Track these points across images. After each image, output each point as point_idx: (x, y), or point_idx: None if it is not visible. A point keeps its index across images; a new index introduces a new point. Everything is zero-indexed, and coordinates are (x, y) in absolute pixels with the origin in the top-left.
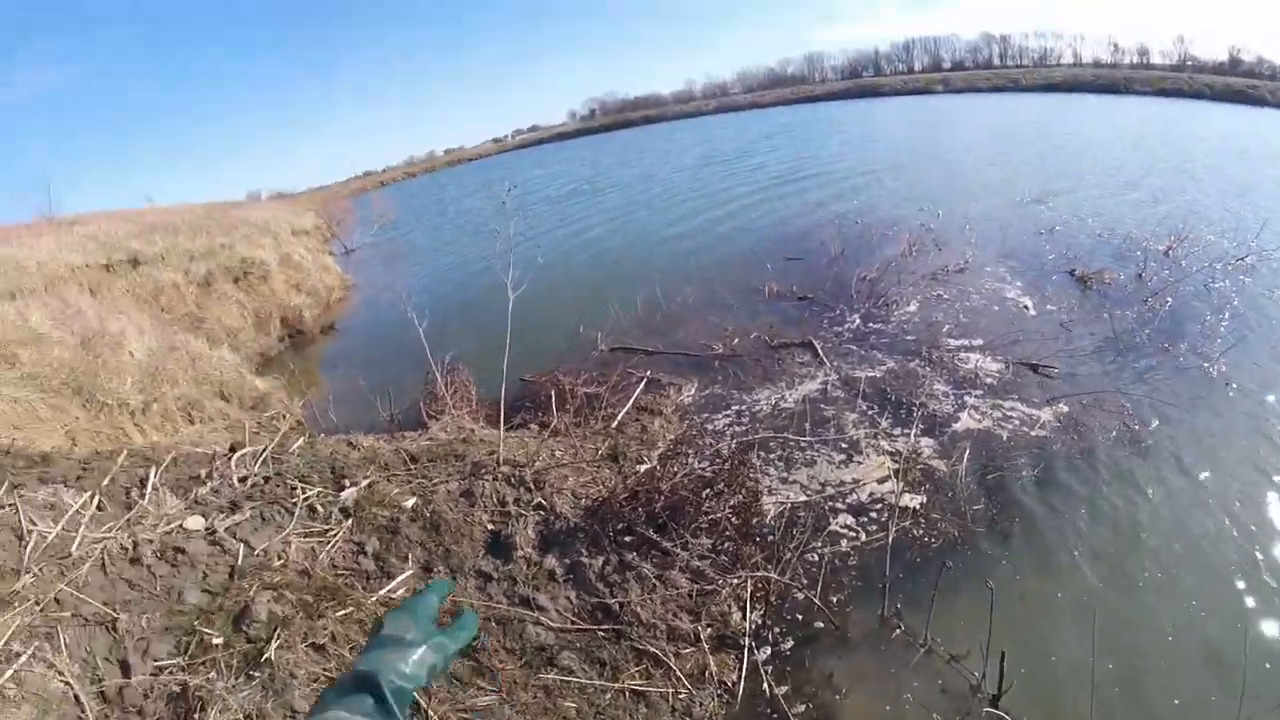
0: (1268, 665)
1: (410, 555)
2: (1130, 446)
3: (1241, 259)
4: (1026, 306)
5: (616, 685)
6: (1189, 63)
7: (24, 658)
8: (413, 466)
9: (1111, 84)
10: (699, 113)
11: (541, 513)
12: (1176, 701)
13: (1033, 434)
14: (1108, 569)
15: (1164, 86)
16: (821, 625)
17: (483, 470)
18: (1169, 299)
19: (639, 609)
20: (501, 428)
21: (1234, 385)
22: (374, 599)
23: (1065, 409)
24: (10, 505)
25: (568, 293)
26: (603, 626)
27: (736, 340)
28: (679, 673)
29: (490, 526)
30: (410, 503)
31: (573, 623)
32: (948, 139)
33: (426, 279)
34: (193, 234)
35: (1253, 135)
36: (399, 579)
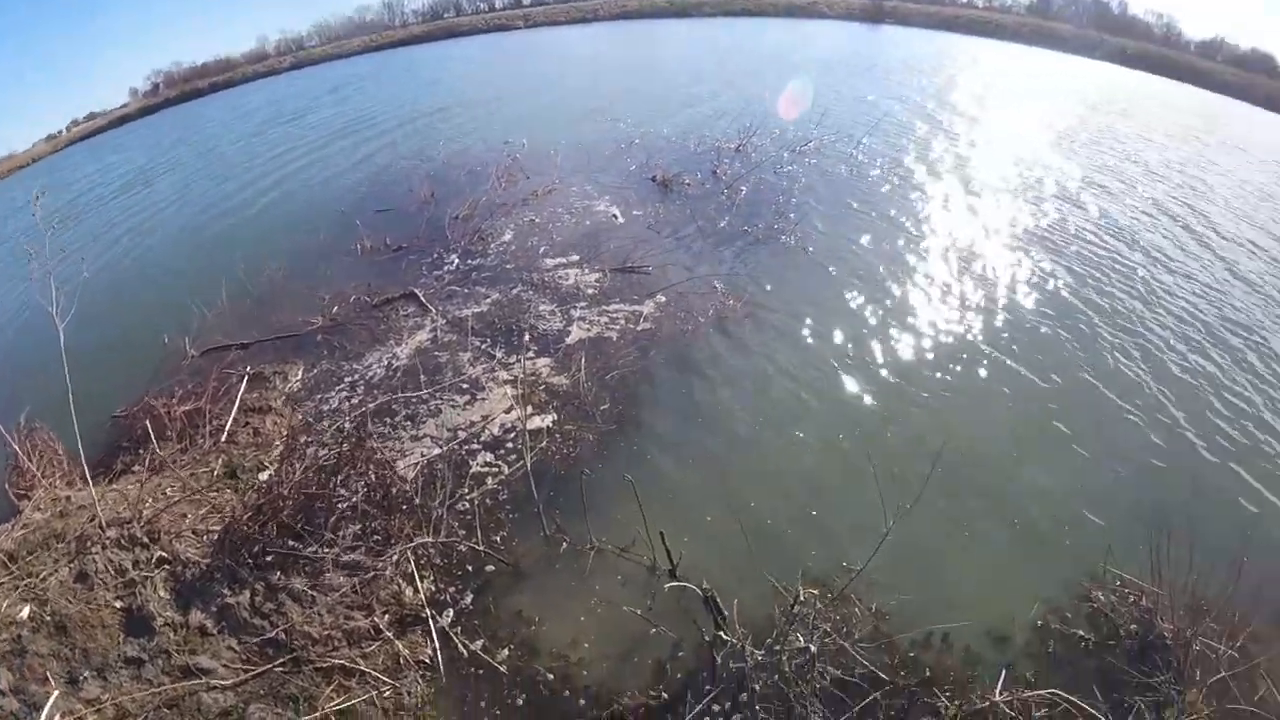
0: (895, 469)
1: (49, 673)
2: (726, 320)
3: (806, 144)
4: (615, 216)
5: (318, 714)
6: None
7: None
8: (14, 566)
9: (683, 8)
10: (274, 71)
11: (166, 567)
12: (833, 520)
13: (639, 329)
14: (727, 431)
15: (731, 8)
16: (493, 568)
17: (89, 543)
18: (743, 188)
19: (307, 628)
20: (90, 486)
21: (809, 250)
22: None
23: (664, 299)
24: None
25: (140, 301)
26: (278, 662)
27: (336, 308)
28: (374, 673)
29: (119, 604)
30: (25, 612)
31: (246, 671)
32: (529, 72)
33: None
34: None
35: (811, 44)
36: (47, 707)
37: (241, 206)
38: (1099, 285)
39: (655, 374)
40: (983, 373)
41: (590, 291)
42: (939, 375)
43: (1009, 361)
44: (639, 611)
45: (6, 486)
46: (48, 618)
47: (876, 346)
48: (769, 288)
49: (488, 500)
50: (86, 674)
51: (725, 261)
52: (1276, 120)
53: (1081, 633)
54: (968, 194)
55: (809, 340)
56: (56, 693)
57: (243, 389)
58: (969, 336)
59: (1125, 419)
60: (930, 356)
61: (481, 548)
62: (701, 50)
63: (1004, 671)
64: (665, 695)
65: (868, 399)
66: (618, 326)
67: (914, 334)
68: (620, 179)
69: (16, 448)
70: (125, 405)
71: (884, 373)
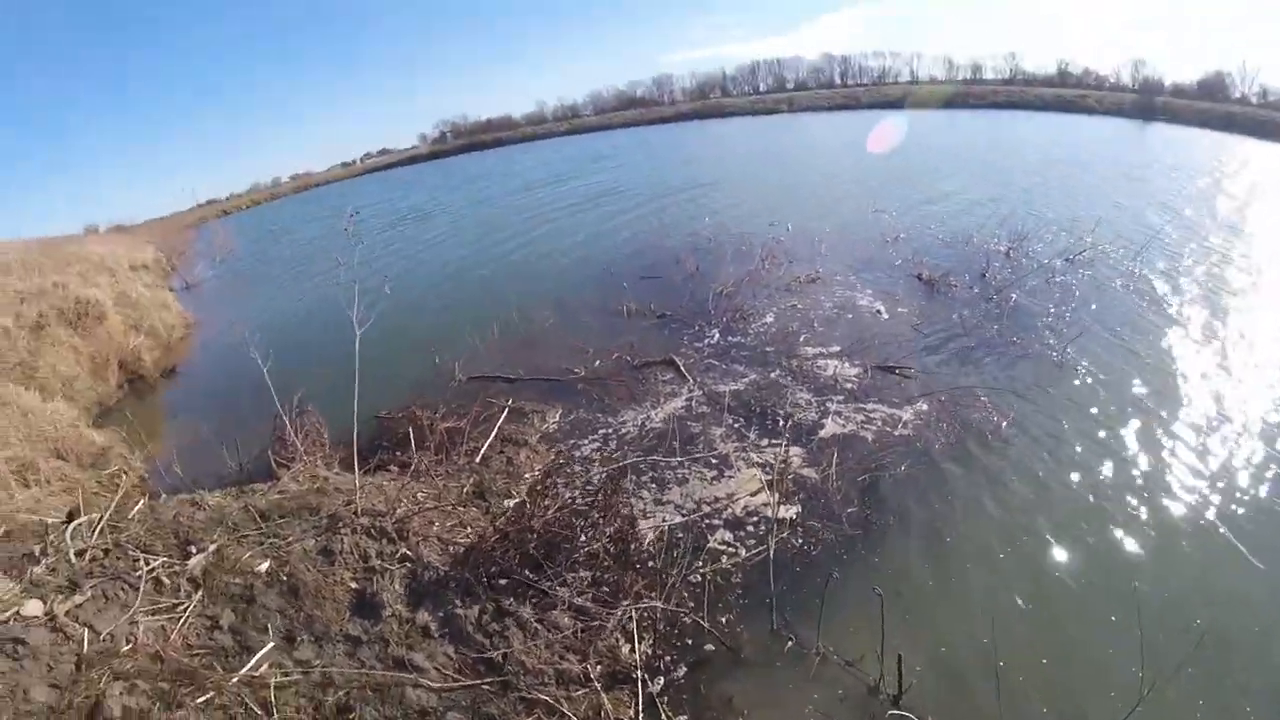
0: (1161, 635)
1: (270, 626)
2: (990, 436)
3: (1080, 254)
4: (879, 311)
5: None
6: (1019, 76)
7: None
8: (264, 525)
9: (947, 99)
10: (550, 134)
11: (408, 564)
12: (1079, 676)
13: (896, 434)
14: (975, 560)
15: (997, 100)
16: (713, 647)
17: (340, 523)
18: (1013, 295)
19: (523, 657)
20: (357, 474)
21: (1081, 368)
22: (235, 679)
23: (925, 407)
24: None
25: (421, 321)
26: (487, 680)
27: (598, 362)
28: (574, 717)
29: (354, 585)
30: (264, 566)
31: (454, 680)
32: (794, 156)
33: (270, 314)
34: (24, 273)
35: (1081, 142)
36: (260, 654)
37: (514, 254)
38: None
39: (907, 484)
40: (1266, 538)
41: (849, 386)
42: (1223, 530)
43: None
44: None
45: (270, 452)
46: (284, 577)
47: (1149, 488)
48: (1034, 409)
49: (719, 579)
50: (304, 637)
51: (990, 373)
52: None
53: None
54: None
55: (1073, 473)
56: (272, 644)
57: (502, 419)
58: (1255, 492)
59: None
60: (1211, 511)
61: (706, 624)
62: (964, 144)
63: None
64: None
65: (1133, 548)
66: (874, 427)
67: (1193, 479)
68: (884, 272)
69: (287, 421)
70: (390, 409)
71: (1152, 521)
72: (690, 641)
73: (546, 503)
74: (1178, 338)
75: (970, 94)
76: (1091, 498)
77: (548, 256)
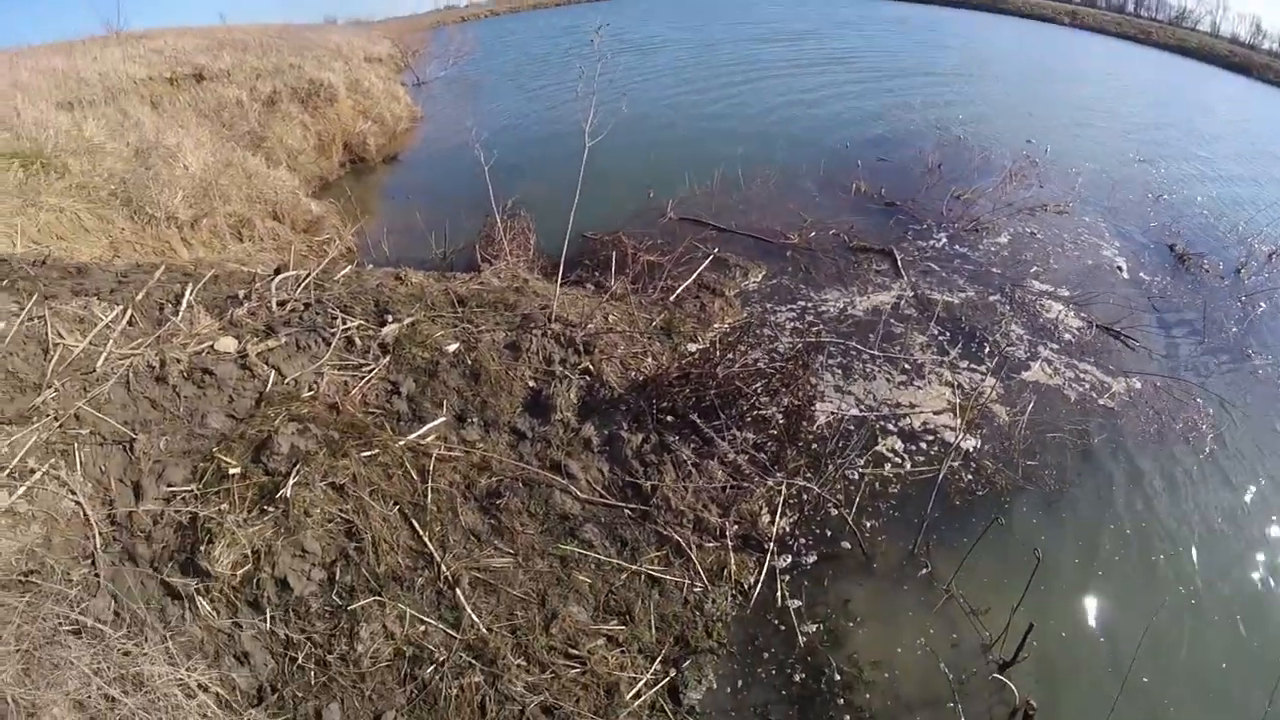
0: None
1: (445, 402)
2: (1195, 442)
3: None
4: (1120, 269)
5: (634, 567)
6: None
7: (38, 475)
8: (460, 310)
9: (1245, 64)
10: None
11: (587, 378)
12: (1204, 701)
13: (1101, 402)
14: (1143, 560)
15: None
16: (849, 547)
17: (532, 324)
18: (1263, 304)
19: (670, 494)
20: (558, 283)
21: None
22: (402, 443)
23: (1138, 385)
24: (39, 318)
25: (642, 153)
26: (630, 505)
27: (814, 234)
28: (699, 565)
29: (532, 384)
30: (453, 347)
31: (601, 496)
32: (1071, 76)
33: (499, 118)
34: (262, 52)
35: None
36: (430, 424)
37: (758, 107)
38: None
39: (1097, 459)
40: None
41: (1067, 337)
42: None
43: None
44: (951, 677)
45: (477, 246)
46: (469, 361)
47: None
48: (1245, 426)
49: (877, 484)
50: (475, 420)
51: (1215, 376)
52: None
53: None
54: None
55: (1263, 505)
56: (444, 418)
57: (705, 265)
58: None
59: None
60: None
61: (850, 523)
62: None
63: None
64: None
65: None
66: (1080, 388)
67: None
68: (1138, 230)
69: (498, 219)
70: (597, 231)
71: None
72: (829, 533)
73: (732, 356)
74: None
75: (1273, 66)
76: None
77: (781, 114)
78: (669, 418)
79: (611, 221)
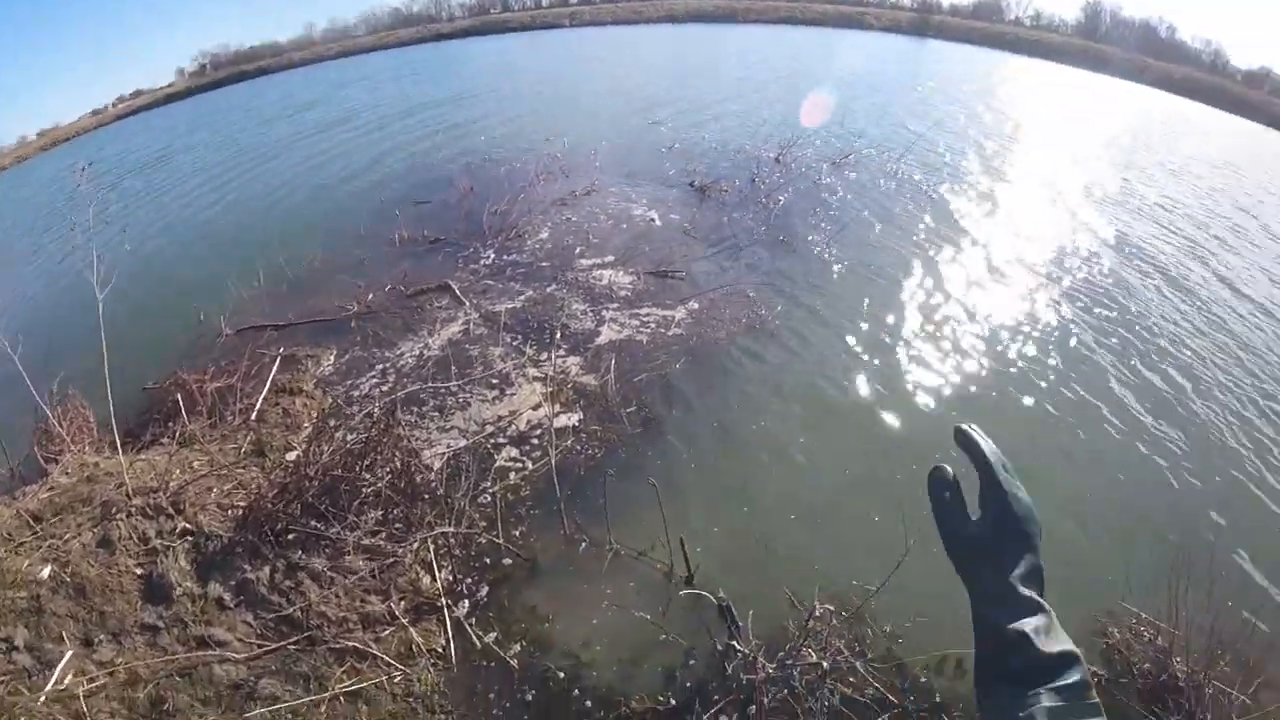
0: (919, 490)
1: (65, 633)
2: (757, 329)
3: (845, 157)
4: (653, 220)
5: (328, 694)
6: None
7: None
8: (39, 527)
9: (729, 13)
10: (321, 59)
11: (190, 538)
12: (848, 535)
13: (670, 334)
14: (751, 442)
15: (776, 15)
16: (510, 562)
17: (113, 509)
18: (781, 198)
19: (323, 607)
20: (121, 453)
21: (844, 263)
22: (41, 699)
23: (696, 306)
24: None
25: (177, 277)
26: (293, 639)
27: (371, 296)
28: (386, 658)
29: (139, 571)
30: (46, 572)
31: (260, 647)
32: (574, 70)
33: (8, 295)
34: None
35: (856, 53)
36: (61, 665)
37: (280, 189)
38: (1129, 304)
39: (683, 380)
40: (1013, 394)
41: (623, 294)
42: (968, 394)
43: (1040, 384)
44: (650, 617)
45: (36, 449)
46: (68, 579)
47: (905, 366)
48: (801, 299)
49: (509, 495)
50: (102, 637)
51: (759, 270)
52: None
53: (1095, 668)
54: (1006, 212)
55: (838, 354)
56: (70, 652)
57: (275, 369)
58: (1001, 354)
59: (1154, 450)
60: (958, 381)
61: (501, 541)
62: (744, 57)
63: None
64: (673, 701)
65: (894, 416)
66: (649, 330)
67: (945, 353)
68: (659, 183)
69: (49, 412)
70: (158, 378)
71: (911, 390)
72: (489, 560)
73: (322, 449)
74: (932, 232)
75: (753, 10)
76: (858, 375)
77: (314, 189)
78: (288, 536)
79: (168, 361)
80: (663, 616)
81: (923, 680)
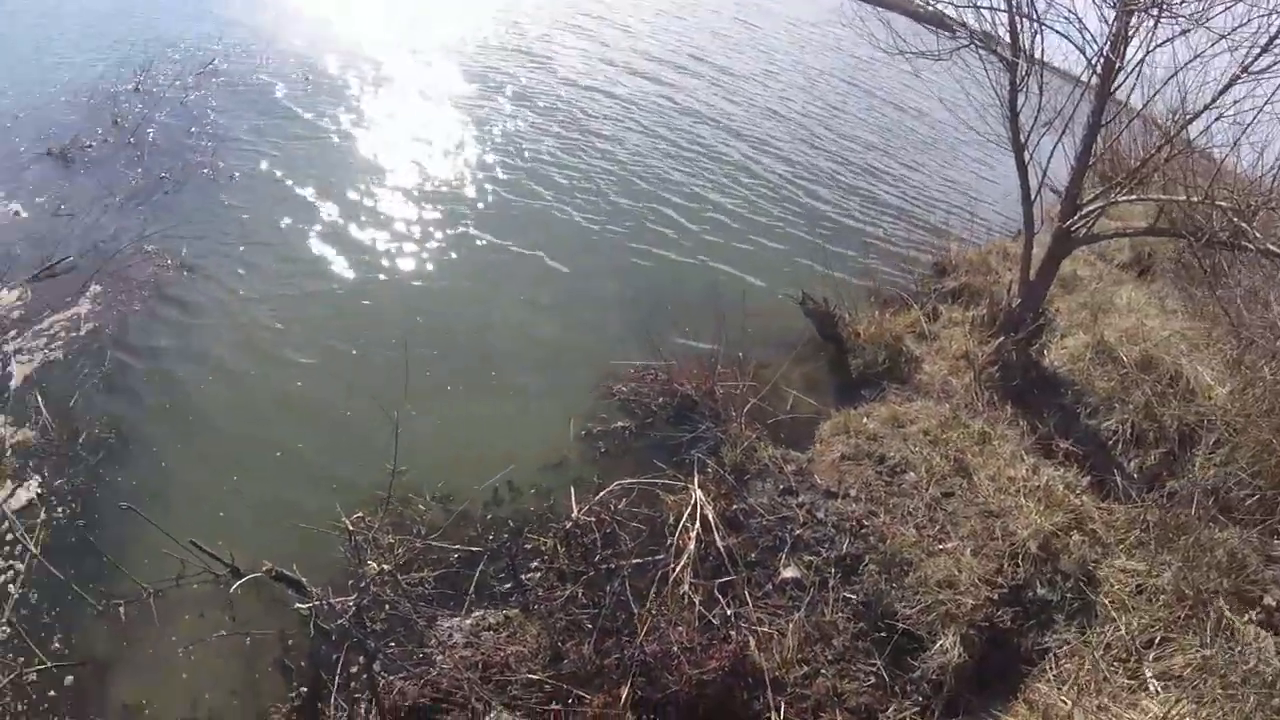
0: (387, 358)
1: None
2: (169, 284)
3: (209, 64)
4: (18, 212)
5: None
6: None
7: None
8: None
9: None
10: None
11: None
12: (340, 446)
13: (84, 332)
14: (215, 403)
15: None
16: (73, 678)
17: None
18: (150, 131)
19: None
20: None
21: (235, 176)
22: None
23: (99, 288)
24: None
25: None
26: None
27: None
28: None
29: None
30: None
31: None
32: None
33: None
34: None
35: None
36: None
37: None
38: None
39: (120, 378)
40: (456, 234)
41: (16, 315)
42: (412, 254)
43: (478, 217)
44: (227, 631)
45: None
46: None
47: (342, 245)
48: (205, 231)
49: (14, 619)
50: None
51: (151, 219)
52: None
53: (621, 423)
54: (393, 68)
55: (272, 264)
56: None
57: None
58: (433, 202)
59: (603, 239)
60: (380, 250)
61: (49, 664)
62: None
63: (572, 489)
64: (303, 689)
65: (346, 301)
66: (62, 341)
67: (362, 229)
68: (9, 163)
69: None
70: None
71: (355, 271)
72: (52, 693)
73: None
74: (316, 110)
75: None
76: (299, 276)
77: None
78: None
79: None
80: (237, 623)
81: (489, 518)
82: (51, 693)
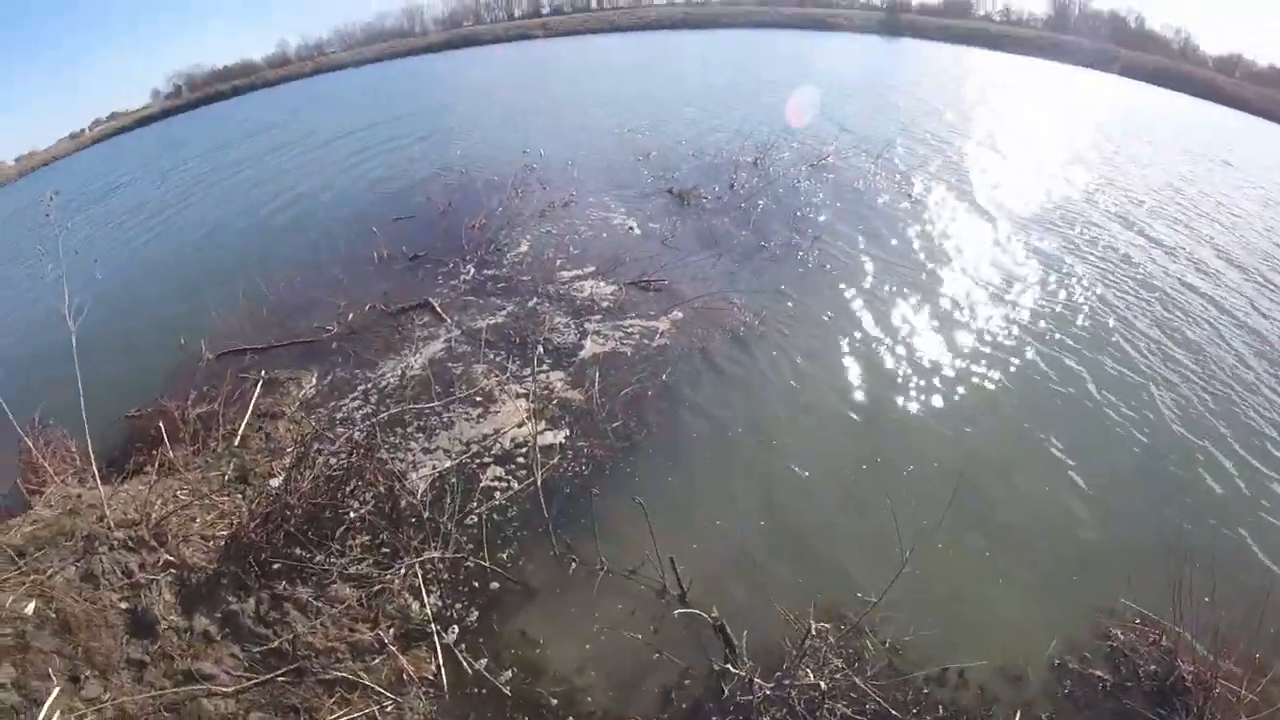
0: (912, 500)
1: (51, 669)
2: (742, 338)
3: (823, 160)
4: (633, 229)
5: None
6: None
7: None
8: (22, 561)
9: (700, 20)
10: (298, 75)
11: (174, 570)
12: (843, 547)
13: (654, 345)
14: (740, 455)
15: (750, 19)
16: (499, 586)
17: (96, 542)
18: (760, 202)
19: (311, 638)
20: (99, 485)
21: (827, 266)
22: None
23: (680, 316)
24: None
25: (156, 303)
26: (281, 671)
27: (352, 315)
28: (376, 687)
29: (124, 605)
30: (30, 607)
31: (248, 679)
32: (550, 82)
33: None
34: None
35: (828, 55)
36: (47, 704)
37: (258, 210)
38: (1114, 299)
39: (670, 392)
40: (1000, 399)
41: (605, 305)
42: (956, 399)
43: (1027, 387)
44: (644, 638)
45: (19, 482)
46: (52, 615)
47: (893, 369)
48: (786, 305)
49: (495, 516)
50: (88, 673)
51: (741, 277)
52: None
53: (1100, 673)
54: (984, 211)
55: (825, 361)
56: (57, 690)
57: (257, 394)
58: (987, 360)
59: (1147, 450)
60: (947, 381)
61: (489, 565)
62: (719, 62)
63: (1018, 713)
64: None
65: (884, 424)
66: (633, 341)
67: (931, 357)
68: (637, 192)
69: (30, 444)
70: (139, 406)
71: (900, 397)
72: (477, 585)
73: (304, 475)
74: (911, 231)
75: (723, 15)
76: (847, 383)
77: (292, 210)
78: (273, 566)
79: (150, 388)
80: (656, 636)
81: (925, 693)
82: (476, 584)
